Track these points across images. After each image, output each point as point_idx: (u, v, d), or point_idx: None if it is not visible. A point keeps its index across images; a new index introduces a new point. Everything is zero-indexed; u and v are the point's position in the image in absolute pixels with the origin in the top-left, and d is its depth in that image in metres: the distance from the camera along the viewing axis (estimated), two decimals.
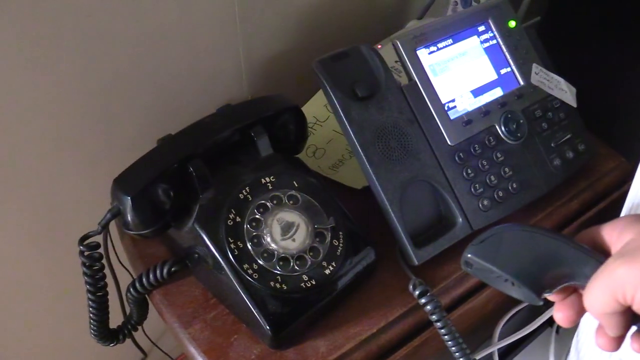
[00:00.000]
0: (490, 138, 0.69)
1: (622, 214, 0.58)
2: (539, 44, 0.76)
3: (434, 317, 0.60)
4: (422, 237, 0.66)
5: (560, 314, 0.45)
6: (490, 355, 0.76)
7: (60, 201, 0.79)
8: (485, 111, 0.70)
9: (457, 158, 0.67)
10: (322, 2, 0.88)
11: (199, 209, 0.61)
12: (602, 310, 0.41)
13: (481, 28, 0.73)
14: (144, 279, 0.65)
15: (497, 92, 0.72)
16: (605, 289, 0.40)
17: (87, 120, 0.74)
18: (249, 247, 0.59)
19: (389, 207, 0.63)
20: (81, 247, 0.61)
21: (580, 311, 0.45)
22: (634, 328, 0.43)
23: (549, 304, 0.77)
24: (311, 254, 0.61)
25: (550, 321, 0.79)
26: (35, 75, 0.67)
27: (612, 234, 0.44)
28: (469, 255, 0.47)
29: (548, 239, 0.45)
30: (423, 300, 0.61)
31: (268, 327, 0.57)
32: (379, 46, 0.85)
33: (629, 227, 0.42)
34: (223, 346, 0.61)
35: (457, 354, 0.60)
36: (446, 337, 0.60)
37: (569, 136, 0.74)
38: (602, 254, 0.44)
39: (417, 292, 0.61)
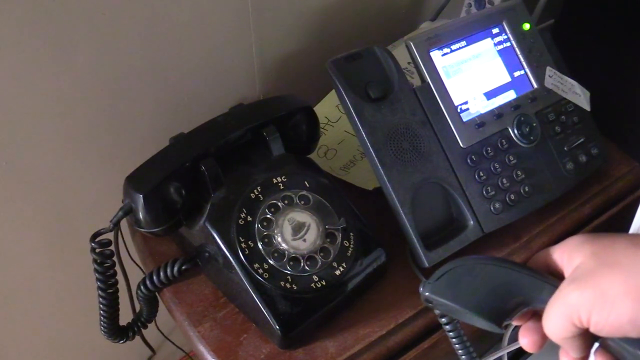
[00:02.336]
0: (503, 141, 0.69)
1: (635, 219, 0.58)
2: (553, 46, 0.75)
3: (443, 319, 0.60)
4: (433, 239, 0.66)
5: (525, 339, 0.46)
6: (500, 359, 0.76)
7: (73, 198, 0.80)
8: (498, 114, 0.70)
9: (469, 160, 0.67)
10: (336, 2, 0.88)
11: (211, 207, 0.61)
12: (561, 335, 0.41)
13: (495, 30, 0.72)
14: (154, 277, 0.65)
15: (511, 95, 0.71)
16: (561, 315, 0.41)
17: (100, 118, 0.75)
18: (260, 247, 0.60)
19: (400, 208, 0.63)
20: (93, 244, 0.62)
21: (545, 335, 0.45)
22: (596, 345, 0.43)
23: None
24: (322, 254, 0.61)
25: None
26: (48, 73, 0.67)
27: (563, 256, 0.44)
28: (427, 294, 0.47)
29: (502, 269, 0.45)
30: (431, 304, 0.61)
31: (278, 327, 0.57)
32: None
33: (578, 248, 0.43)
34: (232, 345, 0.61)
35: (463, 357, 0.60)
36: (454, 340, 0.60)
37: (582, 140, 0.74)
38: (555, 277, 0.44)
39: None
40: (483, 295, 0.45)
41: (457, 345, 0.60)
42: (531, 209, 0.70)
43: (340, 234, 0.62)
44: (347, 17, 0.91)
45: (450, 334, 0.60)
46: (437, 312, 0.60)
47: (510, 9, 0.73)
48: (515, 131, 0.70)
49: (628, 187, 0.78)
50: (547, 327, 0.42)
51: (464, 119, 0.68)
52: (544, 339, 0.45)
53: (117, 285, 0.66)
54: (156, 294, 0.68)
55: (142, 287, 0.67)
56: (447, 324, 0.60)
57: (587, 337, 0.41)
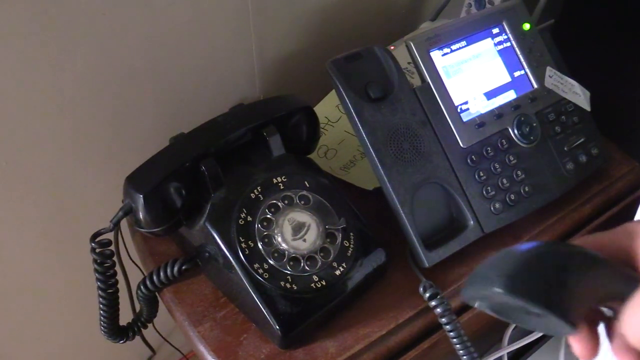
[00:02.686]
0: (503, 141, 0.69)
1: (636, 219, 0.58)
2: (553, 46, 0.75)
3: (443, 320, 0.60)
4: (433, 239, 0.66)
5: (579, 344, 0.40)
6: (500, 359, 0.76)
7: (73, 198, 0.80)
8: (498, 114, 0.70)
9: (469, 160, 0.67)
10: (336, 2, 0.88)
11: (211, 207, 0.61)
12: None
13: (495, 30, 0.72)
14: (154, 277, 0.65)
15: (511, 95, 0.71)
16: None
17: (100, 118, 0.75)
18: (260, 247, 0.60)
19: (400, 208, 0.63)
20: (93, 244, 0.62)
21: (598, 342, 0.40)
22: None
23: None
24: (322, 254, 0.61)
25: None
26: (48, 73, 0.67)
27: (629, 245, 0.40)
28: (500, 290, 0.36)
29: (578, 256, 0.39)
30: (433, 303, 0.61)
31: (278, 327, 0.57)
32: (392, 47, 0.85)
33: None
34: (232, 345, 0.61)
35: (464, 357, 0.60)
36: (455, 340, 0.60)
37: (582, 140, 0.74)
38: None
39: (427, 295, 0.61)
40: (557, 288, 0.37)
41: (457, 345, 0.60)
42: (531, 209, 0.70)
43: (340, 234, 0.62)
44: (348, 17, 0.91)
45: (451, 334, 0.60)
46: (438, 310, 0.60)
47: (510, 9, 0.73)
48: (516, 131, 0.70)
49: (628, 187, 0.78)
50: (630, 329, 0.37)
51: (464, 119, 0.68)
52: (598, 346, 0.40)
53: (117, 285, 0.66)
54: (156, 294, 0.68)
55: (142, 287, 0.67)
56: (447, 323, 0.60)
57: None
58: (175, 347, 0.91)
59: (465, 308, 0.66)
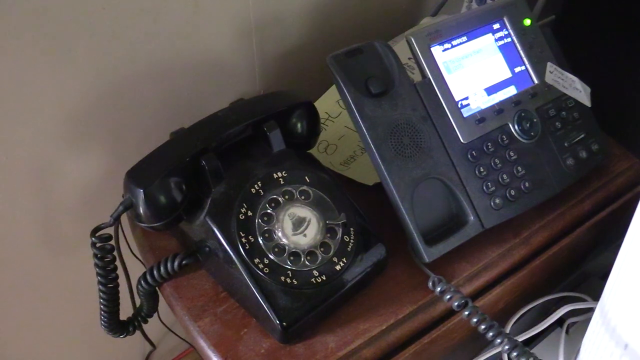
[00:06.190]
0: (504, 136, 0.69)
1: (635, 216, 0.58)
2: (554, 42, 0.75)
3: (466, 312, 0.59)
4: (433, 234, 0.66)
5: None
6: (499, 355, 0.76)
7: (73, 193, 0.80)
8: (498, 109, 0.70)
9: (469, 156, 0.67)
10: None
11: (211, 202, 0.61)
12: None
13: (496, 26, 0.72)
14: (154, 272, 0.65)
15: (511, 91, 0.71)
16: None
17: (100, 113, 0.75)
18: (260, 242, 0.60)
19: (401, 204, 0.63)
20: (93, 239, 0.62)
21: None
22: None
23: (559, 303, 0.77)
24: (322, 249, 0.61)
25: (560, 321, 0.78)
26: (49, 69, 0.67)
27: None
28: None
29: None
30: (448, 296, 0.60)
31: (278, 322, 0.58)
32: (393, 42, 0.85)
33: None
34: (232, 340, 0.61)
35: (497, 339, 0.58)
36: (491, 335, 0.58)
37: (582, 136, 0.74)
38: None
39: (438, 289, 0.61)
40: None
41: (482, 326, 0.58)
42: (531, 204, 0.70)
43: (340, 229, 0.62)
44: (348, 12, 0.91)
45: (474, 319, 0.59)
46: (457, 304, 0.58)
47: (511, 5, 0.73)
48: (516, 127, 0.70)
49: (628, 183, 0.78)
50: None
51: (465, 115, 0.68)
52: None
53: (118, 280, 0.66)
54: (156, 288, 0.69)
55: (142, 281, 0.67)
56: (462, 306, 0.59)
57: None
58: (181, 337, 0.91)
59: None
